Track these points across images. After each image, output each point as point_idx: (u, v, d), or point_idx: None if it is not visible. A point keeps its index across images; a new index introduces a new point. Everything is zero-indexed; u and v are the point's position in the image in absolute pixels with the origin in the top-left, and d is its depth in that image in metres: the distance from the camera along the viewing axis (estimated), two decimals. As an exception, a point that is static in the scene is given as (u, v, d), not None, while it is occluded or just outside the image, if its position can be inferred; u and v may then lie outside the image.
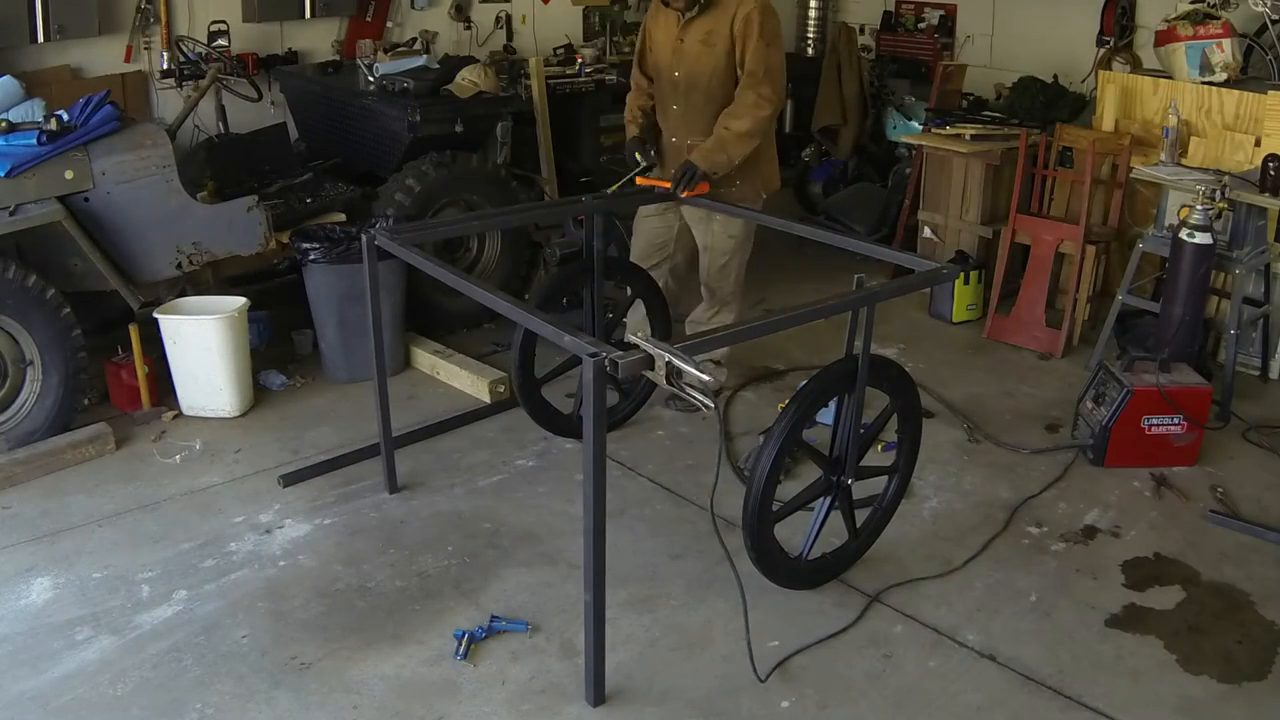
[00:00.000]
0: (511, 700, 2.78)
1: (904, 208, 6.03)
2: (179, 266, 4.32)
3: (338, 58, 5.77)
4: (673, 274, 4.34)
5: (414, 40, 5.89)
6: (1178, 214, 4.35)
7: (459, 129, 5.03)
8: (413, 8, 6.14)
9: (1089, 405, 4.09)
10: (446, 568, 3.34)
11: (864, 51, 7.33)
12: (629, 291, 4.19)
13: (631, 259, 4.30)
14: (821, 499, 3.22)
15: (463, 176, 4.99)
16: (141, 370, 4.23)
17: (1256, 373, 4.79)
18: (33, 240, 3.97)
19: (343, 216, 4.86)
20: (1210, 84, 4.94)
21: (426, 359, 4.74)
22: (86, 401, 4.18)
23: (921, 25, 7.57)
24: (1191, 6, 5.00)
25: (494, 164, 5.21)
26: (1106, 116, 5.31)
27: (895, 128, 6.92)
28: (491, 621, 3.04)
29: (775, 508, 3.05)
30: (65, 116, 3.94)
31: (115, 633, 3.00)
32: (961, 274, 5.24)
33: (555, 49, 6.52)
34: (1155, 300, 4.50)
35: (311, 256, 4.44)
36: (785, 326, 2.97)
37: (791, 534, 3.21)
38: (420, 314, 4.88)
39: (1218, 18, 4.94)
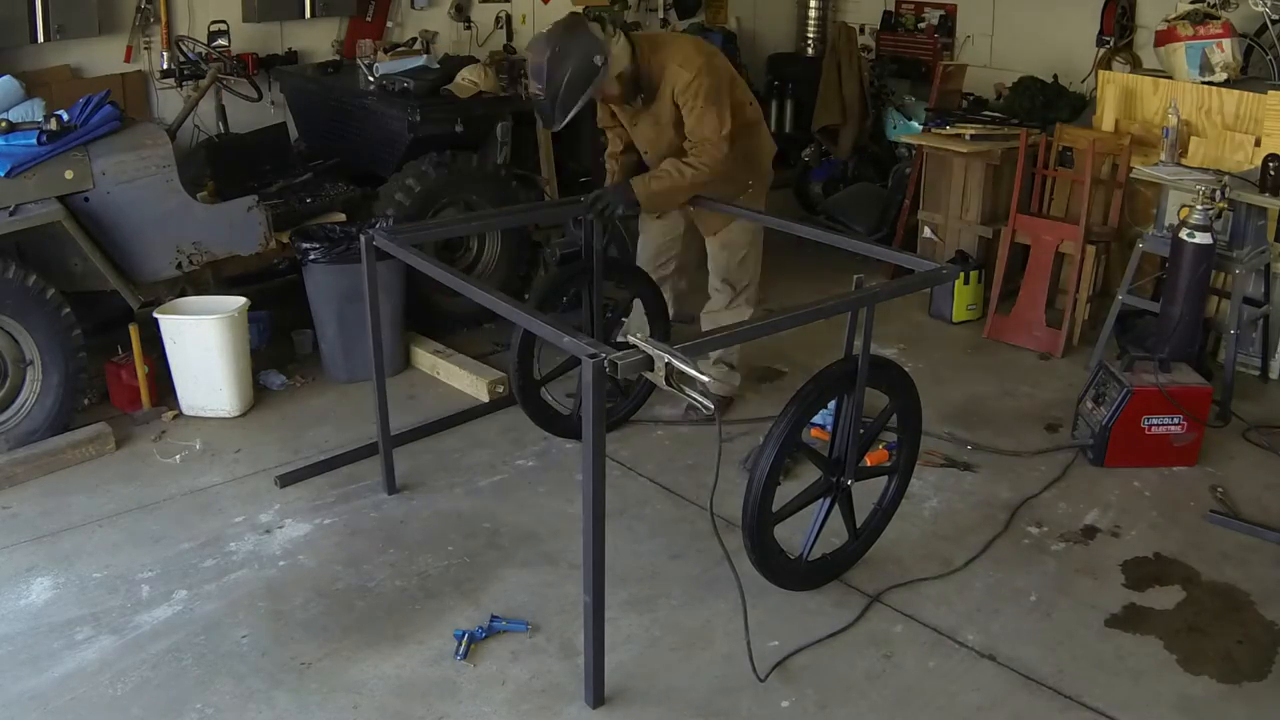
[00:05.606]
0: (511, 700, 2.78)
1: (904, 208, 6.03)
2: (179, 266, 4.33)
3: (338, 58, 5.77)
4: (681, 274, 4.38)
5: (414, 40, 5.89)
6: (1178, 214, 4.34)
7: (459, 129, 5.02)
8: (413, 8, 6.14)
9: (1089, 405, 4.09)
10: (446, 568, 3.34)
11: (864, 51, 7.33)
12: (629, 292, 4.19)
13: (639, 264, 4.31)
14: (821, 500, 3.21)
15: (463, 176, 4.99)
16: (141, 370, 4.23)
17: (1256, 373, 4.79)
18: (33, 240, 3.97)
19: (343, 216, 4.85)
20: (1210, 84, 4.93)
21: (427, 359, 4.74)
22: (86, 401, 4.18)
23: (921, 25, 7.57)
24: (1191, 6, 4.99)
25: (494, 164, 5.20)
26: (1106, 116, 5.31)
27: (895, 128, 6.92)
28: (491, 621, 3.04)
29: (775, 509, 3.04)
30: (65, 116, 3.94)
31: (115, 633, 3.00)
32: (961, 274, 5.24)
33: (555, 49, 6.51)
34: (1155, 300, 4.50)
35: (311, 256, 4.44)
36: (785, 327, 2.97)
37: (791, 534, 3.21)
38: (420, 314, 4.88)
39: (1218, 18, 4.94)
